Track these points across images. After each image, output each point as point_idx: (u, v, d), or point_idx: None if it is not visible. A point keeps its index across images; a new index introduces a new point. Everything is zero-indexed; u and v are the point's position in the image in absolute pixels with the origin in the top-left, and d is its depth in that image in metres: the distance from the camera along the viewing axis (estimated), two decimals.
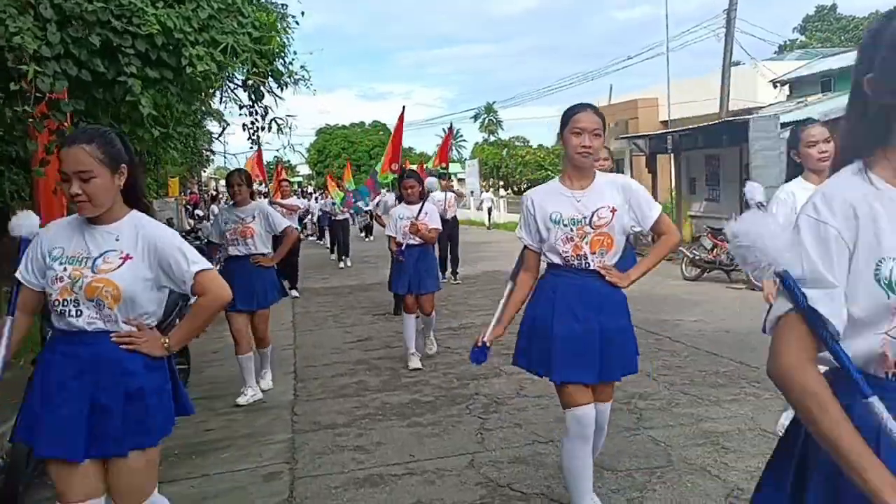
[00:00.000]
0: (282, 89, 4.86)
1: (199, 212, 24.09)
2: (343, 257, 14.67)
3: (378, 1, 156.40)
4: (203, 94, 4.39)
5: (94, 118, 4.08)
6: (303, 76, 4.99)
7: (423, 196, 5.99)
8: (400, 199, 6.56)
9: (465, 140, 67.49)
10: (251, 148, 5.44)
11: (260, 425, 4.79)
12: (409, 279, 6.00)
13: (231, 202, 5.33)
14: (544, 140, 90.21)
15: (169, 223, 17.55)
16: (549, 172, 40.71)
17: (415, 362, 5.97)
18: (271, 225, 5.16)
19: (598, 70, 42.98)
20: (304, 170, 65.32)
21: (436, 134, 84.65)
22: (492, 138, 59.56)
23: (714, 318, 7.59)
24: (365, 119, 65.40)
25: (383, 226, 8.46)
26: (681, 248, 10.91)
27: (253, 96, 4.73)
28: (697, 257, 10.23)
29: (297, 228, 10.90)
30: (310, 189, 38.96)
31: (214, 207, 25.88)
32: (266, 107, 4.95)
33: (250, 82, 4.57)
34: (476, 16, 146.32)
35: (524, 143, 52.44)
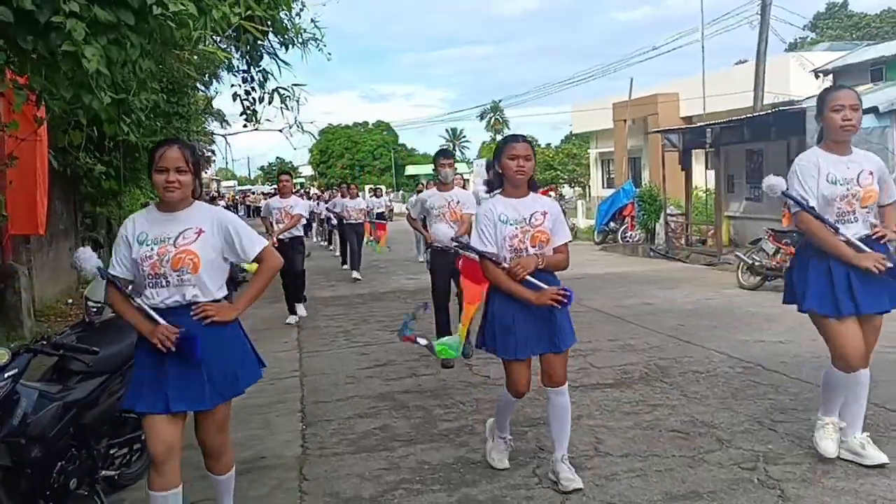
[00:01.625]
0: (286, 49, 3.65)
1: None
2: (355, 269, 12.59)
3: (379, 1, 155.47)
4: (178, 47, 3.20)
5: (19, 76, 2.88)
6: (313, 35, 3.77)
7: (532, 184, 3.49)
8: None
9: (468, 141, 66.34)
10: (245, 126, 4.22)
11: (258, 497, 3.58)
12: (532, 328, 3.31)
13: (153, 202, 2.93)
14: (552, 139, 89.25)
15: None
16: (559, 172, 39.64)
17: (501, 457, 3.69)
18: (238, 247, 2.84)
19: (615, 64, 41.49)
20: (307, 171, 64.15)
21: (438, 134, 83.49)
22: (498, 137, 58.36)
23: (802, 338, 6.32)
24: (368, 119, 64.19)
25: (421, 231, 6.44)
26: (736, 252, 9.71)
27: (248, 57, 3.51)
28: (757, 263, 8.98)
29: (302, 235, 8.53)
30: (313, 190, 37.84)
31: None
32: (265, 71, 3.73)
33: (245, 36, 3.36)
34: (476, 16, 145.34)
35: (533, 142, 51.27)
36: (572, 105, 30.76)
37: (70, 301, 9.38)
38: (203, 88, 11.81)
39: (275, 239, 7.65)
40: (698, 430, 4.10)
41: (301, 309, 8.55)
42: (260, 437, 4.49)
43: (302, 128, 4.38)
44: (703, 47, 15.94)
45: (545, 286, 3.25)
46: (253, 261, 2.94)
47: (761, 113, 11.96)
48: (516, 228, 3.33)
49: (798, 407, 4.39)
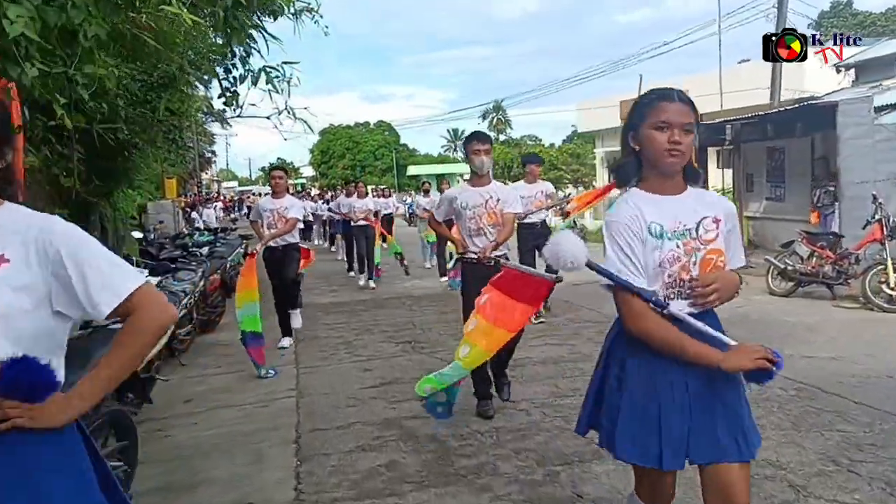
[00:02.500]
0: (274, 18, 3.04)
1: (195, 214, 22.43)
2: (368, 278, 11.47)
3: (379, 2, 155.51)
4: (135, 10, 2.58)
5: None
6: (308, 4, 3.15)
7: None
8: None
9: None
10: (224, 111, 3.66)
11: None
12: (689, 419, 1.97)
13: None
14: (555, 139, 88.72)
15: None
16: (563, 172, 39.07)
17: None
18: (79, 289, 1.46)
19: (623, 61, 41.10)
20: (308, 171, 63.58)
21: (439, 135, 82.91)
22: (501, 137, 57.73)
23: (853, 351, 5.72)
24: (369, 120, 63.60)
25: (448, 236, 5.26)
26: (766, 256, 9.08)
27: (227, 27, 2.91)
28: (790, 268, 8.35)
29: (299, 242, 7.12)
30: (313, 191, 37.23)
31: (206, 210, 23.90)
32: (249, 45, 3.11)
33: (221, 1, 2.74)
34: (476, 17, 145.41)
35: (536, 142, 50.66)
36: (577, 104, 30.21)
37: None
38: (203, 87, 11.17)
39: (259, 247, 6.58)
40: (764, 471, 3.47)
41: (297, 319, 7.35)
42: (247, 475, 3.87)
43: (294, 114, 3.74)
44: (720, 42, 15.30)
45: (728, 340, 1.91)
46: (111, 314, 1.50)
47: (787, 108, 11.30)
48: (678, 245, 1.97)
49: (876, 442, 3.76)
